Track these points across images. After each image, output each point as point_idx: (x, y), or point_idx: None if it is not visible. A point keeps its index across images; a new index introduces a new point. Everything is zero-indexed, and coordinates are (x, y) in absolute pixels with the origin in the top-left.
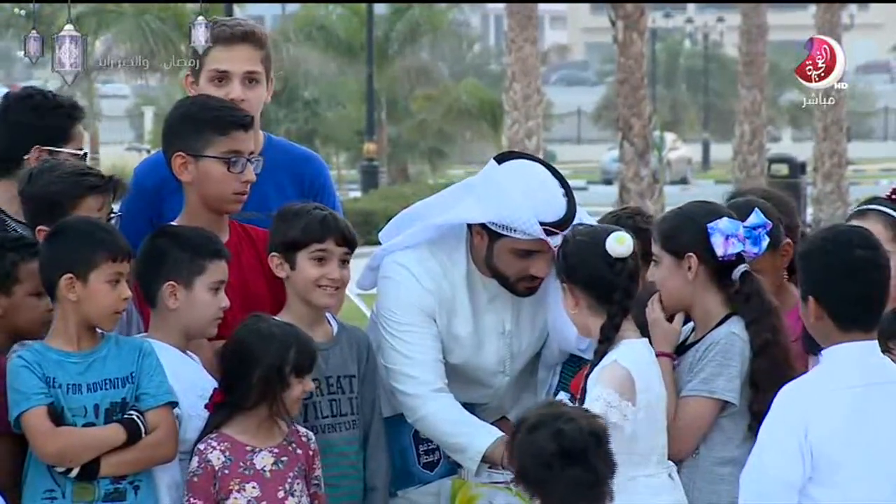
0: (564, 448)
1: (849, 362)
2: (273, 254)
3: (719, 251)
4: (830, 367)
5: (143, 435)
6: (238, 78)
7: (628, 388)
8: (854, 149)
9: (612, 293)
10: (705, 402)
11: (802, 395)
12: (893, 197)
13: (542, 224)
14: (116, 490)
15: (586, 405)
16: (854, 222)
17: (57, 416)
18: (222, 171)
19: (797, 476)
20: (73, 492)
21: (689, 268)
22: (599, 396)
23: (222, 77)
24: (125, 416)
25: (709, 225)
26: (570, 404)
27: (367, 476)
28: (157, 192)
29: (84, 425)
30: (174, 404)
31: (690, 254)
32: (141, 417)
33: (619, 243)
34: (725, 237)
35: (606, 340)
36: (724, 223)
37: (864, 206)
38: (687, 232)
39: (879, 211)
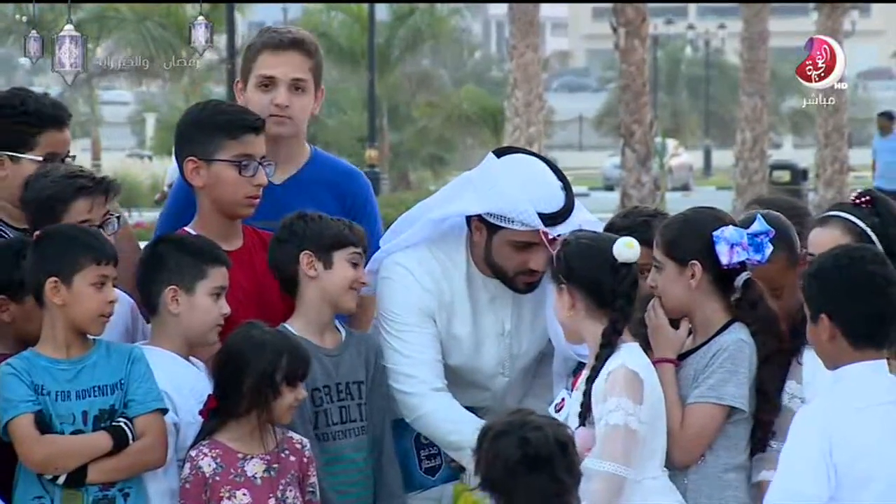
0: (529, 455)
1: (865, 382)
2: (306, 252)
3: (724, 259)
4: (846, 387)
5: (131, 442)
6: (284, 84)
7: (638, 391)
8: (855, 155)
9: (615, 298)
10: (714, 408)
11: (823, 415)
12: (857, 202)
13: (539, 215)
14: (105, 497)
15: (603, 416)
16: (816, 230)
17: (45, 424)
18: (234, 175)
19: (824, 493)
20: (62, 499)
21: (693, 275)
22: (618, 406)
23: (269, 83)
24: (113, 423)
25: (714, 233)
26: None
27: (385, 484)
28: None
29: (72, 433)
30: (164, 411)
31: (694, 261)
32: (129, 424)
33: (628, 247)
34: (730, 245)
35: (609, 346)
36: (729, 231)
37: (826, 214)
38: (691, 240)
39: (839, 217)
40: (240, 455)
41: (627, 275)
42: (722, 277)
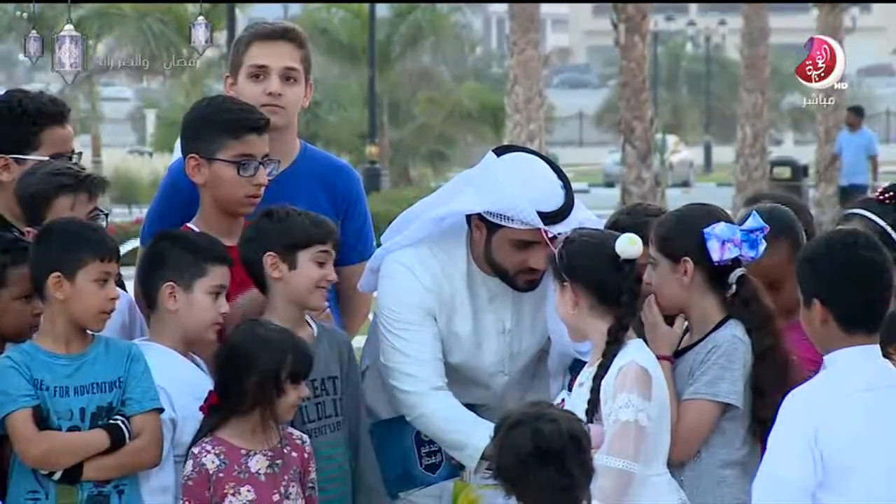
0: (541, 448)
1: (855, 366)
2: (270, 253)
3: (715, 256)
4: (836, 372)
5: (127, 441)
6: (276, 73)
7: (648, 387)
8: None
9: (620, 295)
10: (709, 405)
11: (810, 400)
12: (882, 197)
13: (539, 214)
14: (100, 493)
15: (613, 412)
16: (838, 228)
17: (42, 419)
18: (233, 175)
19: (809, 480)
20: (57, 494)
21: (685, 272)
22: (628, 403)
23: (260, 72)
24: (110, 421)
25: (705, 230)
26: (563, 401)
27: (363, 477)
28: (191, 192)
29: (69, 429)
30: (160, 410)
31: (686, 258)
32: (126, 423)
33: (631, 244)
34: (721, 242)
35: (616, 342)
36: (720, 228)
37: (849, 211)
38: (683, 236)
39: (863, 216)
40: (243, 451)
41: (631, 271)
42: (716, 274)
